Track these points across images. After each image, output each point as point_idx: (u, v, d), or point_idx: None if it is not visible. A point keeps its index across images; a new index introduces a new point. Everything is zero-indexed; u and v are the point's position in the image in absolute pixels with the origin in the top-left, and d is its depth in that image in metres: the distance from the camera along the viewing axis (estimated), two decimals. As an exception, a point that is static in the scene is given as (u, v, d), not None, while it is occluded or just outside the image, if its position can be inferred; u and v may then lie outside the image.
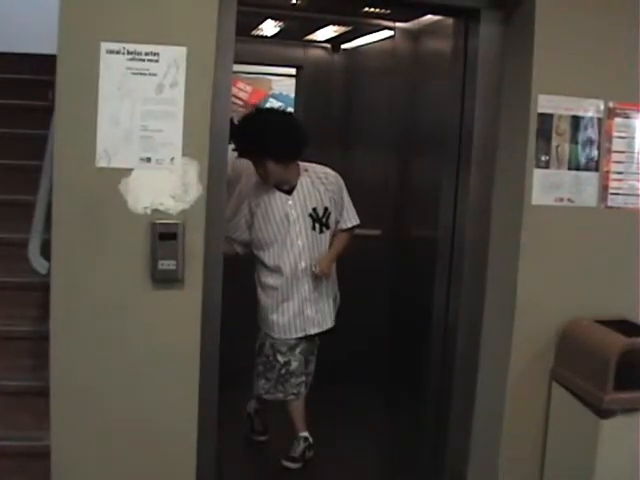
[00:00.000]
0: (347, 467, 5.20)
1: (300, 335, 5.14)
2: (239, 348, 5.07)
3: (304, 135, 5.13)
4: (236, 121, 5.12)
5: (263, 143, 4.97)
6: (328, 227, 5.18)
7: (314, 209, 5.10)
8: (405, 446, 5.39)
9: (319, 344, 5.36)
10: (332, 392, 6.01)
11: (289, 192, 5.09)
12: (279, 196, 5.08)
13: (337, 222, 5.24)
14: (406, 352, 5.88)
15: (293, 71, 7.93)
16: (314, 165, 5.24)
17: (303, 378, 5.21)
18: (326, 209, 5.14)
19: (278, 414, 5.33)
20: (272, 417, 5.54)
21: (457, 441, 4.55)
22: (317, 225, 5.13)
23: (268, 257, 5.11)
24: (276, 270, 5.11)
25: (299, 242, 5.07)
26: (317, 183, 5.14)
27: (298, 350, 5.16)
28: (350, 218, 5.29)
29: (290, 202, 5.07)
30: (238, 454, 5.37)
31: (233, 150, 5.07)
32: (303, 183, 5.12)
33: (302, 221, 5.08)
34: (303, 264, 5.09)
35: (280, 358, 5.13)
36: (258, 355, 5.26)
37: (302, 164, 5.17)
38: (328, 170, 5.25)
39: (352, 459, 5.33)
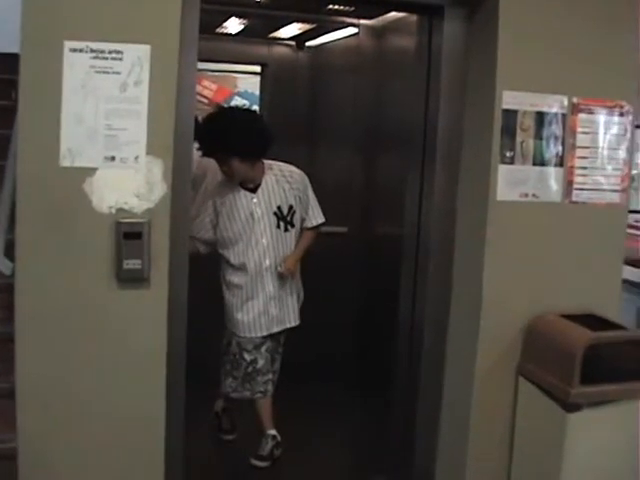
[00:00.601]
0: (315, 466, 5.21)
1: (265, 334, 5.14)
2: (206, 346, 5.06)
3: (269, 133, 5.13)
4: (200, 120, 5.12)
5: (228, 142, 4.96)
6: (293, 225, 5.18)
7: (279, 207, 5.11)
8: (373, 445, 5.40)
9: (284, 342, 5.37)
10: (299, 391, 6.01)
11: (254, 190, 5.09)
12: (244, 194, 5.08)
13: (302, 220, 5.24)
14: (373, 350, 5.89)
15: (258, 69, 7.93)
16: (279, 163, 5.24)
17: (270, 376, 5.21)
18: (291, 207, 5.15)
19: (246, 413, 5.32)
20: (240, 416, 5.54)
21: (425, 439, 4.56)
22: (282, 223, 5.13)
23: (233, 255, 5.11)
24: (241, 268, 5.11)
25: (264, 240, 5.08)
26: (282, 181, 5.15)
27: (264, 348, 5.16)
28: (315, 216, 5.29)
29: (255, 200, 5.07)
30: (206, 453, 5.36)
31: (197, 149, 5.04)
32: (268, 181, 5.12)
33: (267, 219, 5.08)
34: (267, 262, 5.09)
35: (246, 356, 5.13)
36: (225, 354, 5.26)
37: (267, 162, 5.18)
38: (293, 168, 5.25)
39: (320, 458, 5.34)
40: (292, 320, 5.29)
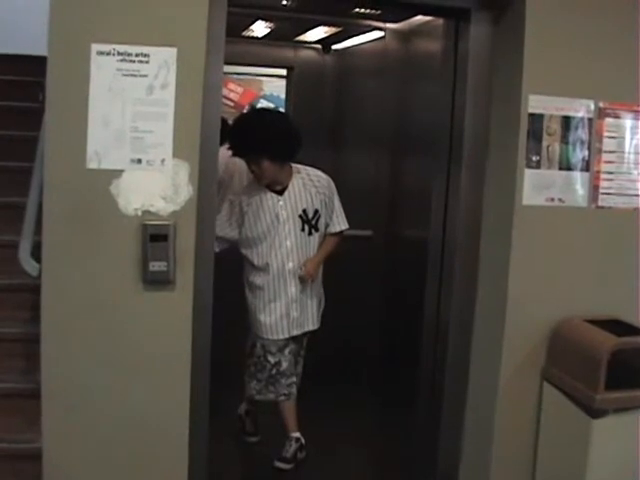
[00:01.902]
0: (339, 468, 5.20)
1: (287, 336, 5.14)
2: (230, 348, 5.08)
3: (299, 136, 5.13)
4: (230, 122, 5.13)
5: (261, 142, 4.96)
6: (317, 229, 5.18)
7: (304, 210, 5.10)
8: (397, 446, 5.39)
9: (307, 345, 5.38)
10: (324, 393, 6.00)
11: (280, 192, 5.09)
12: (270, 196, 5.08)
13: (327, 225, 5.25)
14: (398, 352, 5.88)
15: (284, 72, 7.94)
16: (307, 167, 5.24)
17: (294, 379, 5.21)
18: (316, 211, 5.14)
19: (269, 415, 5.33)
20: (263, 418, 5.54)
21: (449, 440, 4.55)
22: (306, 227, 5.13)
23: (256, 256, 5.11)
24: (263, 269, 5.10)
25: (287, 242, 5.07)
26: (309, 185, 5.14)
27: (287, 350, 5.16)
28: (340, 222, 5.28)
29: (281, 203, 5.07)
30: (230, 455, 5.37)
31: (228, 149, 5.08)
32: (295, 184, 5.12)
33: (292, 222, 5.07)
34: (290, 264, 5.09)
35: (270, 359, 5.13)
36: (249, 356, 5.26)
37: (295, 166, 5.17)
38: (320, 173, 5.25)
39: (344, 460, 5.33)
40: (311, 324, 5.28)
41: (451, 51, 4.40)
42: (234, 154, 5.15)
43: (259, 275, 5.13)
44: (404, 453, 5.07)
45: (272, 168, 5.01)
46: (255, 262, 5.11)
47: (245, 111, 5.64)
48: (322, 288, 5.37)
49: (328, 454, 5.36)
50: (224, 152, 5.02)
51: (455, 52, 4.38)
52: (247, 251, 5.14)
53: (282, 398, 5.17)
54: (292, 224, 5.07)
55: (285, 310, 5.10)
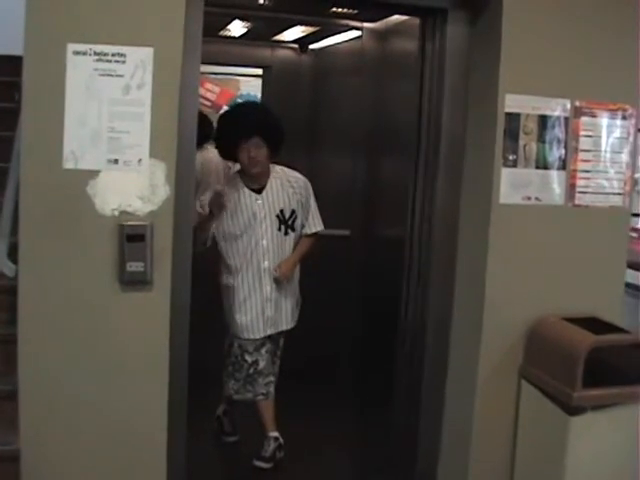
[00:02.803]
0: (318, 468, 5.20)
1: (263, 335, 5.15)
2: (208, 348, 5.08)
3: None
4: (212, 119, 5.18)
5: (266, 124, 5.08)
6: (293, 230, 5.20)
7: (281, 210, 5.12)
8: (375, 446, 5.39)
9: (283, 345, 5.39)
10: (301, 393, 6.01)
11: (259, 191, 5.10)
12: (249, 194, 5.09)
13: (302, 226, 5.26)
14: (376, 352, 5.88)
15: (261, 71, 7.95)
16: (284, 168, 5.26)
17: (271, 378, 5.22)
18: (293, 212, 5.16)
19: (248, 415, 5.32)
20: (242, 418, 5.54)
21: (427, 442, 4.56)
22: (283, 227, 5.14)
23: (232, 254, 5.12)
24: (239, 268, 5.11)
25: (264, 241, 5.08)
26: (286, 185, 5.16)
27: (264, 349, 5.17)
28: (316, 224, 5.31)
29: (259, 202, 5.08)
30: (209, 455, 5.35)
31: (215, 145, 5.26)
32: (273, 184, 5.13)
33: (269, 221, 5.09)
34: (266, 263, 5.10)
35: (248, 358, 5.14)
36: (227, 356, 5.26)
37: (272, 165, 5.19)
38: (297, 174, 5.27)
39: (323, 460, 5.33)
40: (286, 323, 5.30)
41: (428, 51, 4.41)
42: (232, 140, 5.11)
43: (234, 274, 5.14)
44: (383, 454, 5.07)
45: (266, 155, 5.04)
46: (231, 260, 5.12)
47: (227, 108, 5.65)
48: (299, 288, 5.38)
49: (308, 454, 5.36)
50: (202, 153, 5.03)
51: (432, 52, 4.39)
52: (222, 249, 5.14)
53: (260, 397, 5.17)
54: (269, 223, 5.09)
55: (260, 309, 5.11)
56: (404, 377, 4.70)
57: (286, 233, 5.17)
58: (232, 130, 5.07)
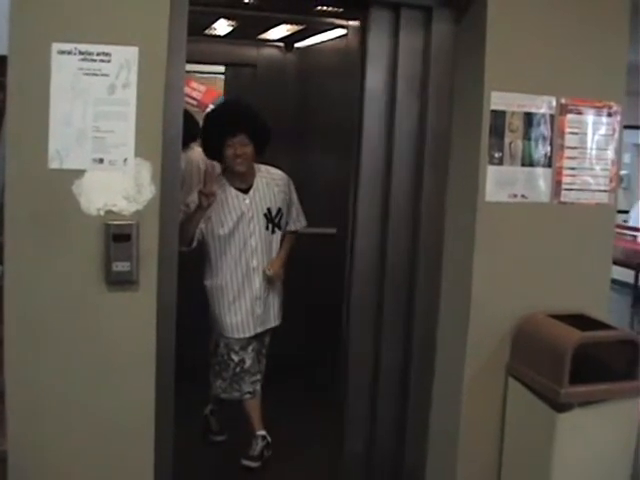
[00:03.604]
0: (305, 466, 5.22)
1: (252, 334, 5.16)
2: (195, 348, 5.08)
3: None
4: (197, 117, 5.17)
5: (253, 121, 5.14)
6: (280, 228, 5.24)
7: (269, 209, 5.14)
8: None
9: (268, 343, 5.42)
10: (288, 392, 6.02)
11: (246, 191, 5.10)
12: (236, 194, 5.10)
13: (286, 223, 5.28)
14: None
15: (223, 69, 7.99)
16: (266, 166, 5.29)
17: (258, 377, 5.24)
18: (279, 210, 5.20)
19: (236, 414, 5.32)
20: (229, 417, 5.54)
21: (414, 440, 4.56)
22: (270, 225, 5.18)
23: (220, 254, 5.11)
24: (228, 268, 5.11)
25: (252, 241, 5.10)
26: (272, 184, 5.19)
27: (250, 348, 5.19)
28: (300, 220, 5.36)
29: (247, 201, 5.09)
30: (197, 454, 5.35)
31: (202, 143, 5.29)
32: (259, 183, 5.16)
33: (257, 220, 5.11)
34: (255, 262, 5.12)
35: (234, 357, 5.15)
36: (213, 355, 5.27)
37: (256, 165, 5.19)
38: (279, 172, 5.33)
39: (311, 458, 5.34)
40: (273, 320, 5.34)
41: (410, 48, 4.40)
42: (218, 137, 5.10)
43: (222, 274, 5.13)
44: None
45: (252, 153, 5.06)
46: (219, 261, 5.12)
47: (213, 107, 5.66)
48: (281, 285, 5.40)
49: (295, 453, 5.37)
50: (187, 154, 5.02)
51: (416, 49, 4.38)
52: (210, 248, 5.14)
53: (247, 396, 5.19)
54: (257, 222, 5.11)
55: (250, 308, 5.13)
56: (390, 374, 4.68)
57: (273, 231, 5.20)
58: (218, 127, 5.08)
